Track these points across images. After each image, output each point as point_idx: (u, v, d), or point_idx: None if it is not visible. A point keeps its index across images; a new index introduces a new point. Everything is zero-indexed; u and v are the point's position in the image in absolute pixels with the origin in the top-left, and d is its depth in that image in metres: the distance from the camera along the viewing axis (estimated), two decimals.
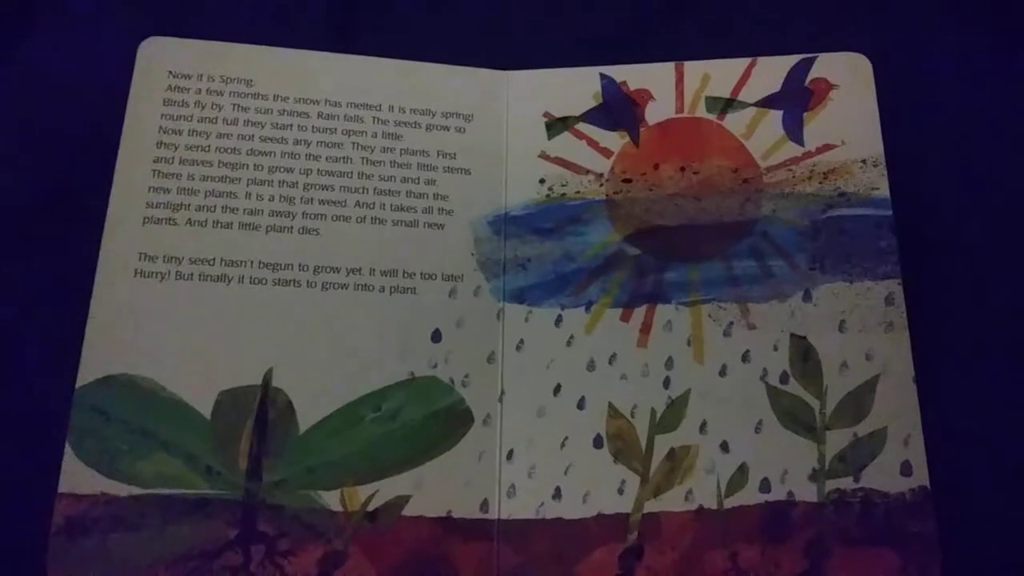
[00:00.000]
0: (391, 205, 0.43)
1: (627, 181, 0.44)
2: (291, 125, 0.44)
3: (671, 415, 0.41)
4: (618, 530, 0.39)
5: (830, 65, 0.45)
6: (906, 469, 0.39)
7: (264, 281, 0.41)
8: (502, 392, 0.41)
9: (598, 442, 0.40)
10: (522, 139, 0.45)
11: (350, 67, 0.46)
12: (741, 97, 0.45)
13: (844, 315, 0.41)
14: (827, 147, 0.44)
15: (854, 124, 0.44)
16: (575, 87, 0.46)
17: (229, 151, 0.43)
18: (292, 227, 0.42)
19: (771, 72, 0.46)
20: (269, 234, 0.42)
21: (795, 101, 0.45)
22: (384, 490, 0.39)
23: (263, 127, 0.44)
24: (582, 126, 0.45)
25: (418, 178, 0.44)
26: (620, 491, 0.40)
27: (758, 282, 0.42)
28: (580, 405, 0.41)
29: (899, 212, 0.42)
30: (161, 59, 0.44)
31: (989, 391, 0.42)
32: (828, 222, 0.43)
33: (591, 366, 0.41)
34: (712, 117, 0.45)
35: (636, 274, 0.43)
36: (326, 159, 0.43)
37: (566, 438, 0.40)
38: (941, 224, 0.44)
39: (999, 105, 0.47)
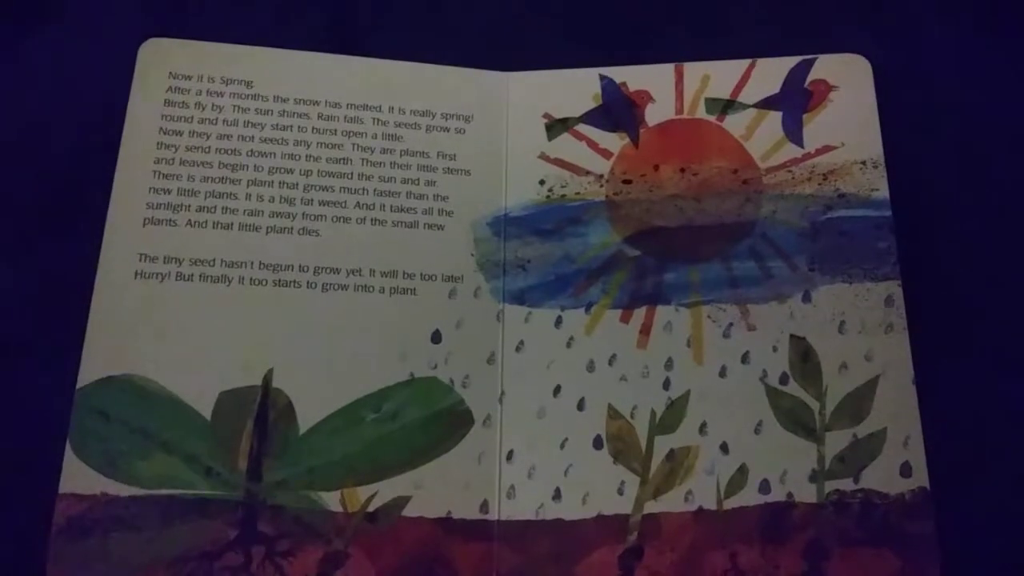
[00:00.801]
0: (391, 206, 0.43)
1: (627, 182, 0.44)
2: (291, 126, 0.44)
3: (671, 416, 0.41)
4: (618, 531, 0.39)
5: (830, 66, 0.45)
6: (905, 470, 0.39)
7: (264, 282, 0.41)
8: (502, 393, 0.41)
9: (598, 443, 0.40)
10: (522, 140, 0.45)
11: (350, 68, 0.46)
12: (741, 98, 0.45)
13: (844, 316, 0.41)
14: (827, 148, 0.44)
15: (854, 125, 0.44)
16: (575, 88, 0.46)
17: (229, 152, 0.43)
18: (292, 228, 0.42)
19: (771, 73, 0.46)
20: (269, 235, 0.42)
21: (795, 102, 0.45)
22: (384, 491, 0.39)
23: (263, 128, 0.44)
24: (582, 127, 0.45)
25: (418, 179, 0.44)
26: (620, 492, 0.40)
27: (758, 283, 0.42)
28: (580, 406, 0.41)
29: (898, 213, 0.43)
30: (162, 60, 0.44)
31: (988, 392, 0.42)
32: (828, 223, 0.43)
33: (591, 367, 0.41)
34: (712, 118, 0.45)
35: (636, 275, 0.43)
36: (326, 160, 0.44)
37: (566, 439, 0.40)
38: (940, 225, 0.44)
39: (998, 106, 0.47)
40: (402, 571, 0.38)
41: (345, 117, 0.44)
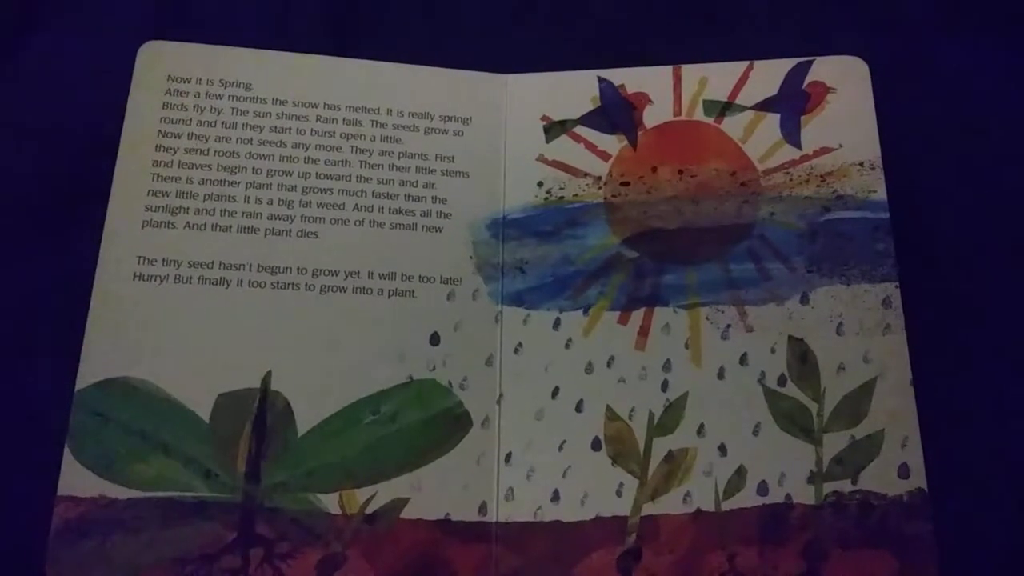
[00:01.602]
0: (389, 208, 0.43)
1: (625, 184, 0.44)
2: (290, 129, 0.44)
3: (669, 418, 0.41)
4: (616, 533, 0.39)
5: (827, 68, 0.45)
6: (903, 471, 0.39)
7: (263, 284, 0.41)
8: (500, 395, 0.41)
9: (596, 445, 0.40)
10: (520, 142, 0.45)
11: (348, 71, 0.46)
12: (739, 100, 0.45)
13: (841, 318, 0.41)
14: (824, 150, 0.44)
15: (851, 127, 0.44)
16: (573, 90, 0.46)
17: (228, 154, 0.43)
18: (291, 230, 0.42)
19: (768, 75, 0.46)
20: (268, 237, 0.42)
21: (792, 104, 0.45)
22: (382, 493, 0.39)
23: (262, 131, 0.44)
24: (580, 129, 0.45)
25: (416, 181, 0.44)
26: (618, 494, 0.40)
27: (756, 285, 0.42)
28: (578, 408, 0.41)
29: (896, 215, 0.43)
30: (160, 63, 0.44)
31: (986, 393, 0.42)
32: (825, 225, 0.43)
33: (589, 369, 0.41)
34: (710, 120, 0.45)
35: (634, 277, 0.43)
36: (324, 162, 0.44)
37: (564, 441, 0.40)
38: (938, 227, 0.44)
39: (996, 108, 0.47)
40: (401, 573, 0.38)
41: (343, 119, 0.45)
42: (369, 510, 0.39)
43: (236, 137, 0.44)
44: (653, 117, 0.45)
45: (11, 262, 0.43)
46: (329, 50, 0.46)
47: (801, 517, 0.39)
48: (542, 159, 0.45)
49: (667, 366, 0.41)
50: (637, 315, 0.42)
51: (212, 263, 0.41)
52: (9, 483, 0.39)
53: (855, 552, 0.38)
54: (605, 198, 0.44)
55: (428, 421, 0.40)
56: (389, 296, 0.42)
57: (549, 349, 0.42)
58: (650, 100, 0.46)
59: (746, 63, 0.46)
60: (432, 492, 0.39)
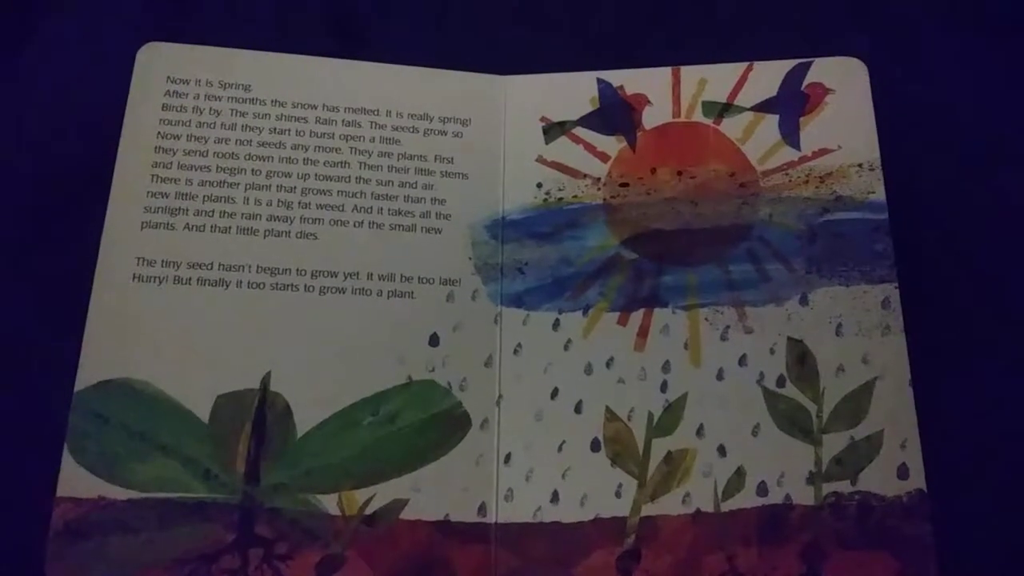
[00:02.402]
0: (389, 209, 0.43)
1: (624, 185, 0.44)
2: (289, 130, 0.44)
3: (668, 419, 0.41)
4: (616, 534, 0.39)
5: (826, 70, 0.45)
6: (903, 472, 0.39)
7: (262, 285, 0.41)
8: (500, 396, 0.41)
9: (595, 446, 0.40)
10: (519, 143, 0.45)
11: (348, 72, 0.46)
12: (738, 102, 0.45)
13: (841, 319, 0.41)
14: (823, 151, 0.44)
15: (850, 128, 0.44)
16: (572, 92, 0.46)
17: (227, 156, 0.43)
18: (290, 231, 0.42)
19: (768, 77, 0.46)
20: (267, 238, 0.42)
21: (791, 105, 0.45)
22: (382, 494, 0.39)
23: (261, 132, 0.44)
24: (579, 130, 0.45)
25: (415, 182, 0.44)
26: (617, 494, 0.40)
27: (755, 286, 0.42)
28: (578, 409, 0.41)
29: (895, 216, 0.43)
30: (160, 64, 0.44)
31: (985, 394, 0.42)
32: (824, 226, 0.43)
33: (588, 370, 0.41)
34: (709, 121, 0.45)
35: (633, 278, 0.43)
36: (324, 164, 0.44)
37: (563, 442, 0.40)
38: (937, 228, 0.44)
39: (995, 109, 0.47)
40: (400, 574, 0.38)
41: (343, 121, 0.45)
42: (368, 511, 0.39)
43: (235, 138, 0.44)
44: (652, 118, 0.46)
45: (11, 262, 0.43)
46: (328, 52, 0.46)
47: (800, 518, 0.39)
48: (541, 160, 0.45)
49: (666, 367, 0.41)
50: (636, 316, 0.42)
51: (211, 264, 0.41)
52: (9, 484, 0.39)
53: (854, 553, 0.38)
54: (604, 199, 0.44)
55: (427, 422, 0.40)
56: (388, 297, 0.42)
57: (548, 350, 0.42)
58: (649, 101, 0.46)
59: (745, 64, 0.46)
60: (431, 493, 0.39)
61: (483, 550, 0.39)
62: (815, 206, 0.43)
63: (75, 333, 0.40)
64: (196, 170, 0.43)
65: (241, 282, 0.41)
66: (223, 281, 0.41)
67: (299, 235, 0.42)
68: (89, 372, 0.39)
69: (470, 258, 0.43)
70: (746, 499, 0.39)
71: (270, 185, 0.43)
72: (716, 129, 0.45)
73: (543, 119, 0.46)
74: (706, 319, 0.42)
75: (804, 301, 0.42)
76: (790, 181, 0.44)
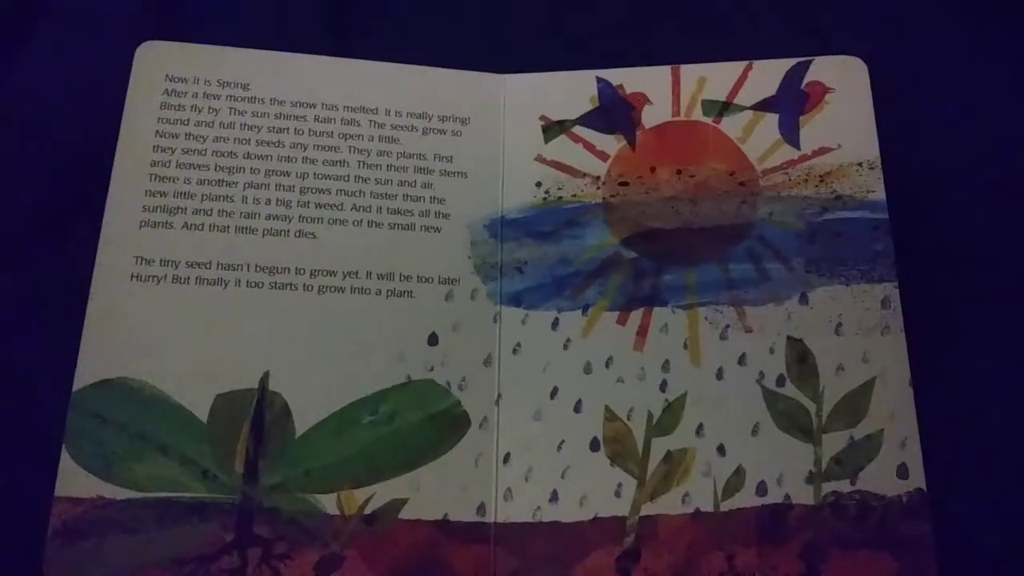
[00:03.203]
0: (388, 208, 0.43)
1: (624, 184, 0.44)
2: (288, 129, 0.44)
3: (668, 418, 0.41)
4: (615, 533, 0.39)
5: (826, 68, 0.45)
6: (902, 472, 0.39)
7: (261, 284, 0.41)
8: (499, 395, 0.41)
9: (595, 445, 0.40)
10: (519, 142, 0.45)
11: (347, 71, 0.46)
12: (737, 100, 0.45)
13: (840, 318, 0.41)
14: (823, 150, 0.44)
15: (850, 127, 0.44)
16: (571, 90, 0.46)
17: (226, 155, 0.43)
18: (289, 230, 0.42)
19: (767, 75, 0.46)
20: (266, 237, 0.42)
21: (791, 104, 0.45)
22: (381, 493, 0.39)
23: (260, 131, 0.44)
24: (578, 129, 0.45)
25: (415, 181, 0.44)
26: (617, 494, 0.40)
27: (754, 285, 0.42)
28: (577, 408, 0.41)
29: (895, 215, 0.43)
30: (158, 63, 0.44)
31: (985, 394, 0.42)
32: (824, 225, 0.43)
33: (588, 369, 0.41)
34: (708, 120, 0.45)
35: (633, 277, 0.43)
36: (323, 163, 0.44)
37: (563, 441, 0.40)
38: (937, 227, 0.44)
39: (994, 108, 0.47)
40: (399, 574, 0.38)
41: (342, 120, 0.44)
42: (367, 510, 0.39)
43: (234, 137, 0.43)
44: (652, 117, 0.45)
45: (9, 262, 0.43)
46: (327, 50, 0.46)
47: (800, 517, 0.39)
48: (540, 159, 0.45)
49: (666, 366, 0.41)
50: (636, 315, 0.42)
51: (210, 263, 0.41)
52: (7, 484, 0.39)
53: (854, 552, 0.38)
54: (604, 198, 0.44)
55: (426, 421, 0.40)
56: (387, 296, 0.42)
57: (548, 349, 0.42)
58: (648, 100, 0.46)
59: (745, 63, 0.46)
60: (430, 492, 0.39)
61: (482, 550, 0.39)
62: (815, 205, 0.43)
63: (73, 332, 0.40)
64: (195, 169, 0.43)
65: (240, 281, 0.41)
66: (222, 280, 0.41)
67: (298, 234, 0.42)
68: (87, 372, 0.39)
69: (469, 257, 0.43)
70: (746, 499, 0.39)
71: (269, 184, 0.43)
72: (716, 128, 0.45)
73: (542, 118, 0.46)
74: (706, 318, 0.42)
75: (804, 300, 0.42)
76: (790, 180, 0.44)
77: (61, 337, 0.40)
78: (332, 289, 0.42)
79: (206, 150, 0.43)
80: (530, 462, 0.40)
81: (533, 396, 0.41)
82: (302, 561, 0.38)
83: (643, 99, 0.46)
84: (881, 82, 0.45)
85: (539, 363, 0.42)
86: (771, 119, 0.45)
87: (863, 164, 0.43)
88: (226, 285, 0.41)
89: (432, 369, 0.41)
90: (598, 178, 0.44)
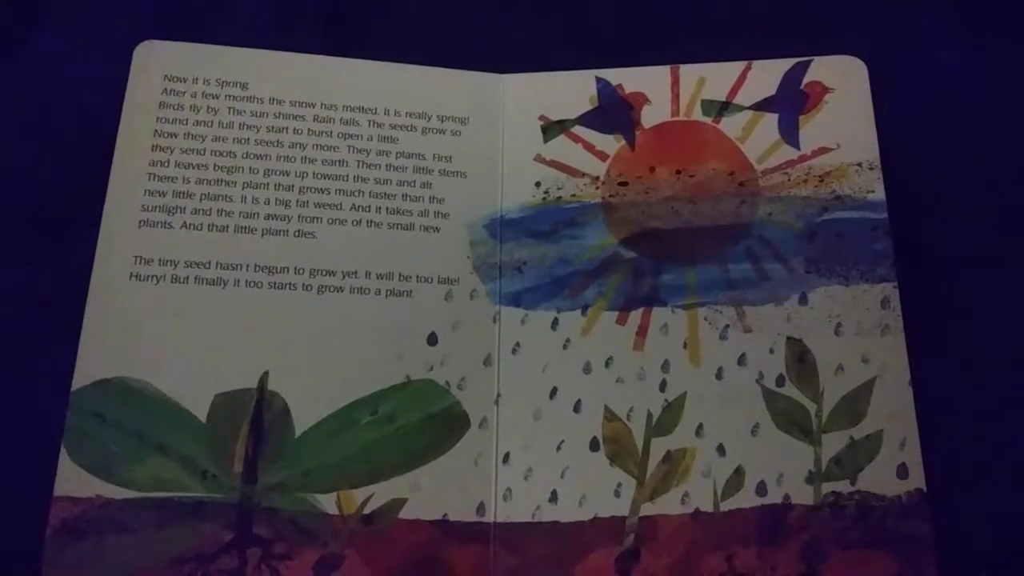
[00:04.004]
0: (387, 208, 0.43)
1: (623, 184, 0.44)
2: (287, 128, 0.44)
3: (667, 418, 0.41)
4: (614, 533, 0.39)
5: (826, 68, 0.45)
6: (902, 472, 0.39)
7: (260, 284, 0.41)
8: (498, 395, 0.41)
9: (594, 445, 0.40)
10: (518, 142, 0.45)
11: (346, 70, 0.46)
12: (737, 100, 0.45)
13: (840, 318, 0.41)
14: (823, 150, 0.44)
15: (850, 127, 0.44)
16: (571, 90, 0.46)
17: (225, 154, 0.43)
18: (288, 230, 0.42)
19: (767, 75, 0.46)
20: (265, 237, 0.42)
21: (791, 104, 0.45)
22: (380, 493, 0.39)
23: (259, 130, 0.44)
24: (578, 129, 0.45)
25: (414, 181, 0.44)
26: (616, 494, 0.40)
27: (754, 285, 0.42)
28: (576, 408, 0.41)
29: (895, 215, 0.43)
30: (157, 62, 0.44)
31: (985, 394, 0.42)
32: (824, 225, 0.43)
33: (587, 369, 0.41)
34: (708, 120, 0.45)
35: (632, 277, 0.43)
36: (322, 162, 0.43)
37: (562, 441, 0.40)
38: (937, 227, 0.44)
39: (994, 108, 0.47)
40: (398, 574, 0.38)
41: (341, 119, 0.44)
42: (367, 510, 0.39)
43: (233, 137, 0.43)
44: (651, 117, 0.45)
45: (7, 261, 0.43)
46: (326, 50, 0.46)
47: (800, 518, 0.39)
48: (540, 159, 0.45)
49: (665, 366, 0.41)
50: (635, 315, 0.42)
51: (209, 263, 0.41)
52: (5, 483, 0.39)
53: (854, 553, 0.38)
54: (603, 198, 0.44)
55: (426, 421, 0.40)
56: (386, 296, 0.42)
57: (547, 349, 0.42)
58: (648, 100, 0.46)
59: (744, 63, 0.46)
60: (430, 492, 0.39)
61: (482, 550, 0.39)
62: (814, 205, 0.43)
63: (72, 332, 0.39)
64: (193, 168, 0.43)
65: (239, 281, 0.41)
66: (221, 280, 0.41)
67: (297, 234, 0.42)
68: (86, 371, 0.39)
69: (468, 257, 0.43)
70: (745, 499, 0.39)
71: (268, 184, 0.43)
72: (715, 128, 0.45)
73: (542, 118, 0.46)
74: (705, 318, 0.42)
75: (803, 300, 0.42)
76: (789, 180, 0.44)
77: (60, 336, 0.40)
78: (331, 289, 0.42)
79: (205, 149, 0.43)
80: (529, 462, 0.40)
81: (532, 396, 0.41)
82: (301, 561, 0.38)
83: (642, 99, 0.46)
84: (881, 82, 0.45)
85: (538, 363, 0.41)
86: (770, 119, 0.45)
87: (862, 164, 0.43)
88: (225, 285, 0.41)
89: (431, 369, 0.41)
90: (597, 178, 0.44)
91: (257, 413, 0.40)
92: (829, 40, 0.47)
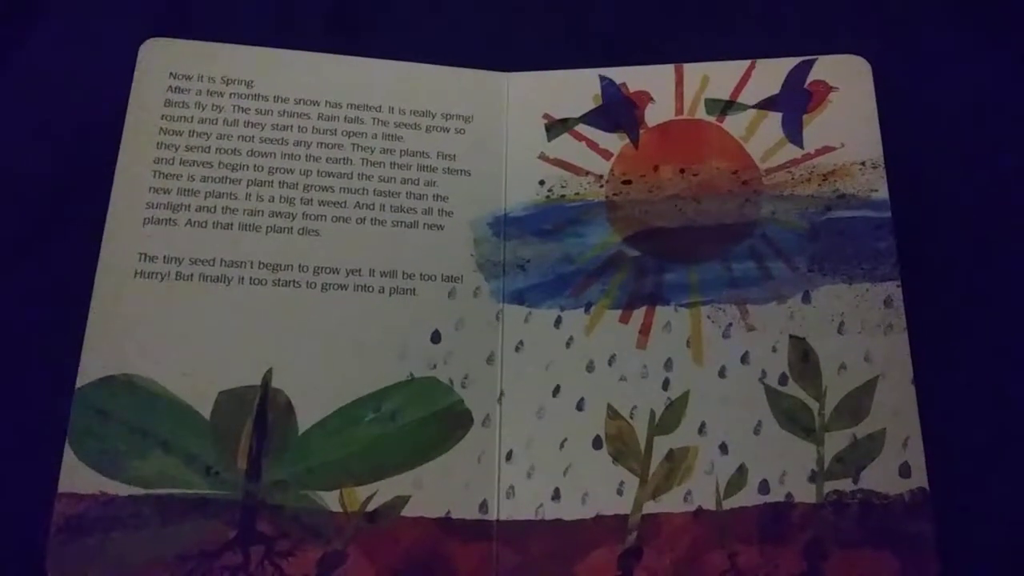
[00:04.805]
0: (391, 206, 0.43)
1: (627, 183, 0.44)
2: (291, 126, 0.44)
3: (670, 416, 0.41)
4: (617, 531, 0.39)
5: (829, 67, 0.45)
6: (905, 471, 0.39)
7: (264, 282, 0.41)
8: (501, 393, 0.41)
9: (597, 443, 0.40)
10: (522, 141, 0.45)
11: (350, 68, 0.46)
12: (741, 99, 0.45)
13: (843, 317, 0.41)
14: (826, 149, 0.44)
15: (853, 126, 0.44)
16: (575, 89, 0.46)
17: (229, 152, 0.43)
18: (292, 228, 0.42)
19: (771, 74, 0.46)
20: (269, 235, 0.42)
21: (794, 103, 0.45)
22: (383, 491, 0.39)
23: (263, 128, 0.44)
24: (582, 128, 0.45)
25: (418, 179, 0.44)
26: (619, 492, 0.40)
27: (757, 284, 0.42)
28: (579, 406, 0.41)
29: (898, 214, 0.43)
30: (162, 60, 0.44)
31: (987, 393, 0.42)
32: (827, 224, 0.43)
33: (590, 367, 0.41)
34: (712, 119, 0.45)
35: (635, 276, 0.43)
36: (326, 160, 0.44)
37: (565, 439, 0.40)
38: (940, 226, 0.44)
39: (997, 107, 0.47)
40: (401, 571, 0.38)
41: (345, 117, 0.44)
42: (370, 508, 0.39)
43: (238, 134, 0.43)
44: (655, 116, 0.45)
45: (13, 259, 0.43)
46: (331, 48, 0.46)
47: (802, 516, 0.39)
48: (543, 157, 0.45)
49: (668, 365, 0.41)
50: (638, 314, 0.42)
51: (213, 260, 0.41)
52: (10, 480, 0.39)
53: (856, 551, 0.38)
54: (607, 196, 0.44)
55: (429, 419, 0.40)
56: (390, 294, 0.42)
57: (550, 347, 0.42)
58: (652, 99, 0.46)
59: (748, 62, 0.46)
60: (433, 490, 0.39)
61: (484, 547, 0.39)
62: (818, 204, 0.43)
63: (77, 329, 0.40)
64: (198, 166, 0.43)
65: (243, 278, 0.41)
66: (225, 277, 0.41)
67: (301, 231, 0.42)
68: (91, 368, 0.39)
69: (472, 255, 0.43)
70: (748, 497, 0.39)
71: (272, 181, 0.43)
72: (719, 127, 0.45)
73: (546, 116, 0.46)
74: (708, 317, 0.42)
75: (806, 299, 0.42)
76: (793, 179, 0.44)
77: (65, 334, 0.40)
78: (335, 286, 0.42)
79: (210, 147, 0.43)
80: (532, 460, 0.40)
81: (535, 394, 0.41)
82: (304, 558, 0.38)
83: (646, 98, 0.46)
84: (884, 81, 0.45)
85: (541, 361, 0.42)
86: (774, 118, 0.45)
87: (866, 163, 0.43)
88: (229, 282, 0.41)
89: (435, 367, 0.41)
90: (601, 176, 0.44)
91: (261, 410, 0.40)
92: (833, 39, 0.47)
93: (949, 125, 0.46)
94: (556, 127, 0.45)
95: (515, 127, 0.45)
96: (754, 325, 0.41)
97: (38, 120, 0.46)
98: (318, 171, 0.43)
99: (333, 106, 0.45)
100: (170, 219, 0.42)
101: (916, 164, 0.45)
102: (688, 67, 0.46)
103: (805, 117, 0.45)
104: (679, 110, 0.45)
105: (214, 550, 0.38)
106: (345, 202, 0.43)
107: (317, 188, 0.43)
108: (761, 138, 0.45)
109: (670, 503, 0.39)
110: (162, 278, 0.41)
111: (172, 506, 0.38)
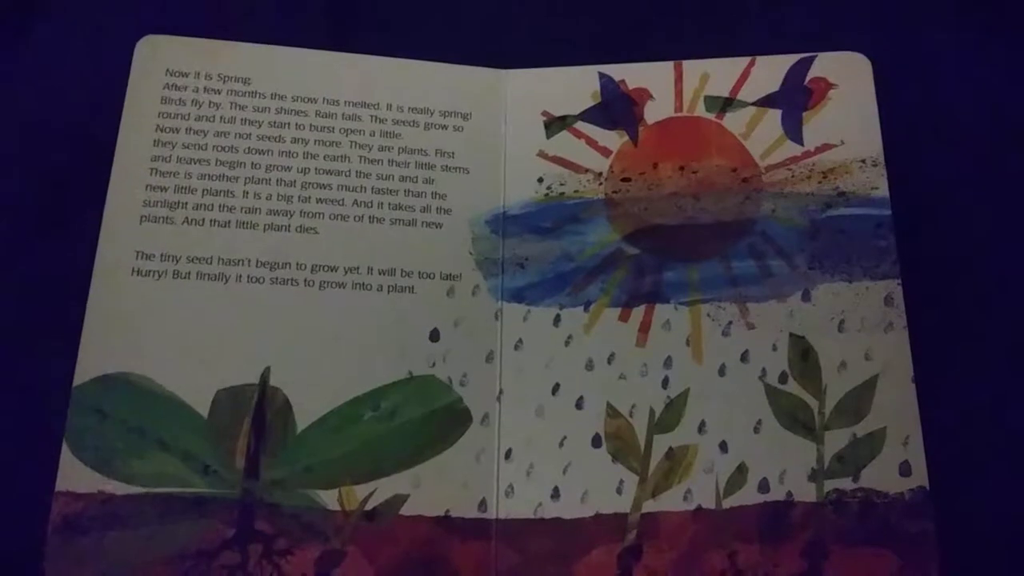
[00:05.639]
0: (389, 204, 0.43)
1: (626, 180, 0.44)
2: (289, 124, 0.44)
3: (670, 415, 0.40)
4: (617, 530, 0.39)
5: (829, 64, 0.45)
6: (905, 469, 0.39)
7: (262, 280, 0.41)
8: (500, 391, 0.41)
9: (596, 442, 0.40)
10: (520, 138, 0.45)
11: (348, 66, 0.45)
12: (740, 96, 0.45)
13: (843, 315, 0.41)
14: (826, 147, 0.44)
15: (853, 124, 0.44)
16: (574, 86, 0.46)
17: (227, 149, 0.43)
18: (290, 226, 0.42)
19: (770, 71, 0.45)
20: (267, 233, 0.42)
21: (794, 100, 0.45)
22: (382, 489, 0.39)
23: (261, 126, 0.44)
24: (581, 125, 0.45)
25: (416, 177, 0.44)
26: (619, 491, 0.40)
27: (757, 282, 0.42)
28: (579, 404, 0.41)
29: (898, 212, 0.42)
30: (159, 57, 0.44)
31: (988, 391, 0.42)
32: (827, 222, 0.43)
33: (590, 365, 0.41)
34: (711, 116, 0.45)
35: (635, 274, 0.43)
36: (324, 158, 0.43)
37: (564, 438, 0.40)
38: (940, 224, 0.44)
39: (998, 104, 0.47)
40: (400, 570, 0.38)
41: (343, 115, 0.44)
42: (368, 506, 0.39)
43: (235, 132, 0.43)
44: (654, 113, 0.45)
45: (9, 257, 0.43)
46: (329, 45, 0.46)
47: (802, 515, 0.39)
48: (542, 155, 0.45)
49: (668, 363, 0.41)
50: (638, 312, 0.42)
51: (211, 258, 0.41)
52: (7, 479, 0.39)
53: (856, 550, 0.38)
54: (606, 194, 0.44)
55: (428, 417, 0.40)
56: (389, 292, 0.42)
57: (549, 346, 0.42)
58: (651, 96, 0.46)
59: (748, 59, 0.46)
60: (432, 488, 0.39)
61: (484, 546, 0.39)
62: (818, 202, 0.43)
63: (74, 327, 0.39)
64: (195, 163, 0.43)
65: (241, 276, 0.41)
66: (222, 275, 0.41)
67: (299, 229, 0.42)
68: (88, 367, 0.39)
69: (471, 253, 0.43)
70: (748, 496, 0.39)
71: (270, 179, 0.43)
72: (718, 124, 0.45)
73: (544, 113, 0.45)
74: (708, 315, 0.42)
75: (806, 297, 0.42)
76: (793, 176, 0.44)
77: (62, 332, 0.40)
78: (333, 284, 0.42)
79: (207, 145, 0.43)
80: (532, 458, 0.40)
81: (535, 392, 0.41)
82: (303, 557, 0.38)
83: (646, 95, 0.46)
84: (885, 78, 0.45)
85: (541, 359, 0.41)
86: (774, 115, 0.45)
87: (866, 161, 0.43)
88: (227, 280, 0.41)
89: (434, 365, 0.41)
90: (600, 174, 0.44)
91: (259, 409, 0.40)
92: (833, 36, 0.47)
93: (949, 122, 0.46)
94: (555, 124, 0.45)
95: (514, 124, 0.45)
96: (754, 323, 0.41)
97: (35, 117, 0.46)
98: (316, 169, 0.43)
99: (331, 103, 0.44)
100: (167, 217, 0.42)
101: (916, 162, 0.45)
102: (687, 64, 0.46)
103: (805, 114, 0.45)
104: (679, 107, 0.45)
105: (212, 549, 0.38)
106: (343, 200, 0.43)
107: (315, 186, 0.43)
108: (761, 135, 0.44)
109: (670, 502, 0.39)
110: (159, 276, 0.41)
111: (170, 505, 0.38)
